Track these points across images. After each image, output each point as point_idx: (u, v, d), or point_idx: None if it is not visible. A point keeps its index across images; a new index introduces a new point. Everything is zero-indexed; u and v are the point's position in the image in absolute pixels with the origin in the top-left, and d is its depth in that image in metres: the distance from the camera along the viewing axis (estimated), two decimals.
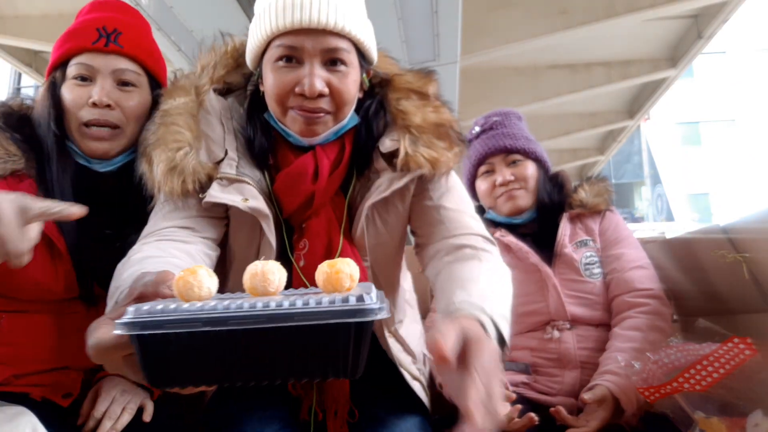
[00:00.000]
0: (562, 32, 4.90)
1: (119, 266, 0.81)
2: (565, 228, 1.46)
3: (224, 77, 1.03)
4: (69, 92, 1.02)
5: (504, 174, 1.48)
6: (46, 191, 0.99)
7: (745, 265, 1.29)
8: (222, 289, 0.70)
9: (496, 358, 0.63)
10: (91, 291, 1.04)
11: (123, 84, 1.04)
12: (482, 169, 1.53)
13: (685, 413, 1.19)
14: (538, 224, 1.50)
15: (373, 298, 0.58)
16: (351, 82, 0.92)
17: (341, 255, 0.93)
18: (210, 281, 0.62)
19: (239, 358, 0.58)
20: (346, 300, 0.57)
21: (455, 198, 1.03)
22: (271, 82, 0.92)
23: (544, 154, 1.54)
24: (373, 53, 0.98)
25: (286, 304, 0.56)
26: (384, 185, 0.96)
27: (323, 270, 0.64)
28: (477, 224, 1.02)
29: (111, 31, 1.02)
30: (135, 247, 0.87)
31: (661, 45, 6.26)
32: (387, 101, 1.01)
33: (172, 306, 0.57)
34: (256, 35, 0.93)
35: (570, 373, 1.35)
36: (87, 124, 1.01)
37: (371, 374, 0.81)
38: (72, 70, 1.02)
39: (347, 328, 0.57)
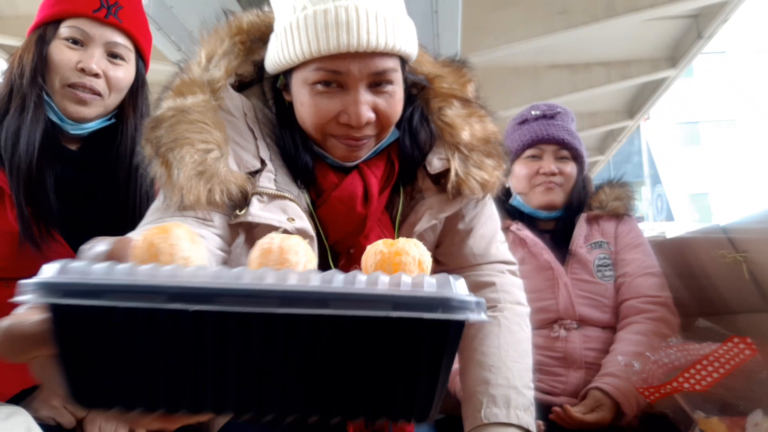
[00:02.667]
0: (562, 32, 4.89)
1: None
2: (581, 228, 1.46)
3: (235, 69, 0.89)
4: (58, 52, 1.03)
5: (550, 165, 1.47)
6: (15, 136, 1.00)
7: (745, 264, 1.29)
8: None
9: None
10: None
11: (112, 55, 1.06)
12: (530, 152, 1.50)
13: (685, 413, 1.18)
14: (559, 223, 1.50)
15: (462, 287, 0.36)
16: (398, 101, 0.83)
17: None
18: (191, 249, 0.40)
19: (232, 369, 0.36)
20: (420, 284, 0.35)
21: (486, 220, 0.99)
22: (308, 109, 0.81)
23: (587, 161, 1.54)
24: (415, 52, 0.86)
25: (315, 280, 0.35)
26: (435, 208, 0.90)
27: (377, 249, 0.43)
28: (502, 249, 1.01)
29: (113, 3, 1.04)
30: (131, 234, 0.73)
31: (661, 45, 6.25)
32: (429, 109, 0.93)
33: (124, 267, 0.36)
34: (286, 49, 0.79)
35: (575, 373, 1.35)
36: (71, 85, 1.03)
37: None
38: (65, 31, 1.04)
39: (423, 331, 0.35)
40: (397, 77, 0.81)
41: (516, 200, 1.54)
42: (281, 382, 0.36)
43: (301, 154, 0.85)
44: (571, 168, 1.49)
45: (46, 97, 1.04)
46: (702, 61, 16.59)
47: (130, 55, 1.09)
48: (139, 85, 1.12)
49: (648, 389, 1.22)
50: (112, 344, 0.35)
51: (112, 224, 1.04)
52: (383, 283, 0.35)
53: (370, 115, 0.80)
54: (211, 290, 0.33)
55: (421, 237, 0.92)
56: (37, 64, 1.02)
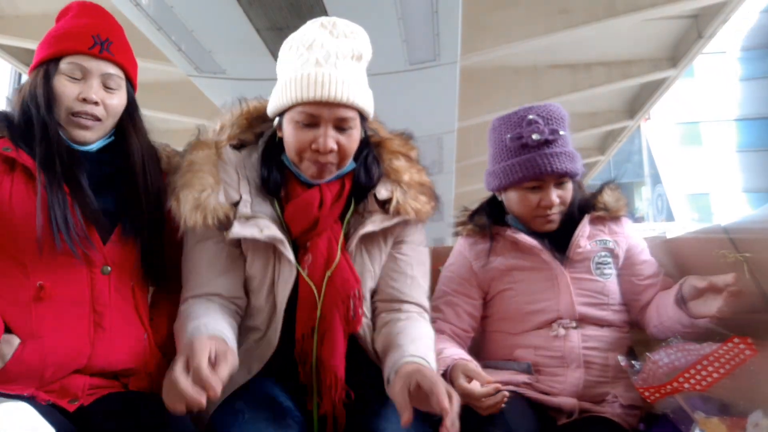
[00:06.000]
0: (562, 32, 4.88)
1: (178, 325, 1.11)
2: (584, 228, 1.44)
3: (238, 135, 1.27)
4: (61, 86, 1.17)
5: (552, 197, 1.39)
6: (43, 164, 1.12)
7: (746, 265, 1.29)
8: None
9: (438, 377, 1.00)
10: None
11: (107, 86, 1.21)
12: (530, 183, 1.41)
13: (685, 413, 1.19)
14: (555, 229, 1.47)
15: None
16: (354, 140, 1.17)
17: (338, 265, 1.16)
18: None
19: None
20: None
21: (417, 263, 1.29)
22: (292, 138, 1.16)
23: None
24: (371, 112, 1.22)
25: None
26: (377, 221, 1.21)
27: None
28: (423, 293, 1.30)
29: (104, 40, 1.19)
30: (185, 307, 1.15)
31: (661, 45, 6.24)
32: (381, 158, 1.28)
33: None
34: (282, 98, 1.15)
35: (573, 372, 1.35)
36: (74, 114, 1.17)
37: (362, 373, 1.18)
38: (66, 67, 1.18)
39: None
40: (355, 124, 1.16)
41: (515, 222, 1.49)
42: None
43: (274, 174, 1.21)
44: (569, 190, 1.43)
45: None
46: (702, 61, 16.57)
47: (122, 83, 1.24)
48: (133, 108, 1.28)
49: (648, 389, 1.22)
50: None
51: (129, 211, 1.20)
52: None
53: (333, 146, 1.13)
54: None
55: (369, 252, 1.23)
56: (49, 97, 1.16)
